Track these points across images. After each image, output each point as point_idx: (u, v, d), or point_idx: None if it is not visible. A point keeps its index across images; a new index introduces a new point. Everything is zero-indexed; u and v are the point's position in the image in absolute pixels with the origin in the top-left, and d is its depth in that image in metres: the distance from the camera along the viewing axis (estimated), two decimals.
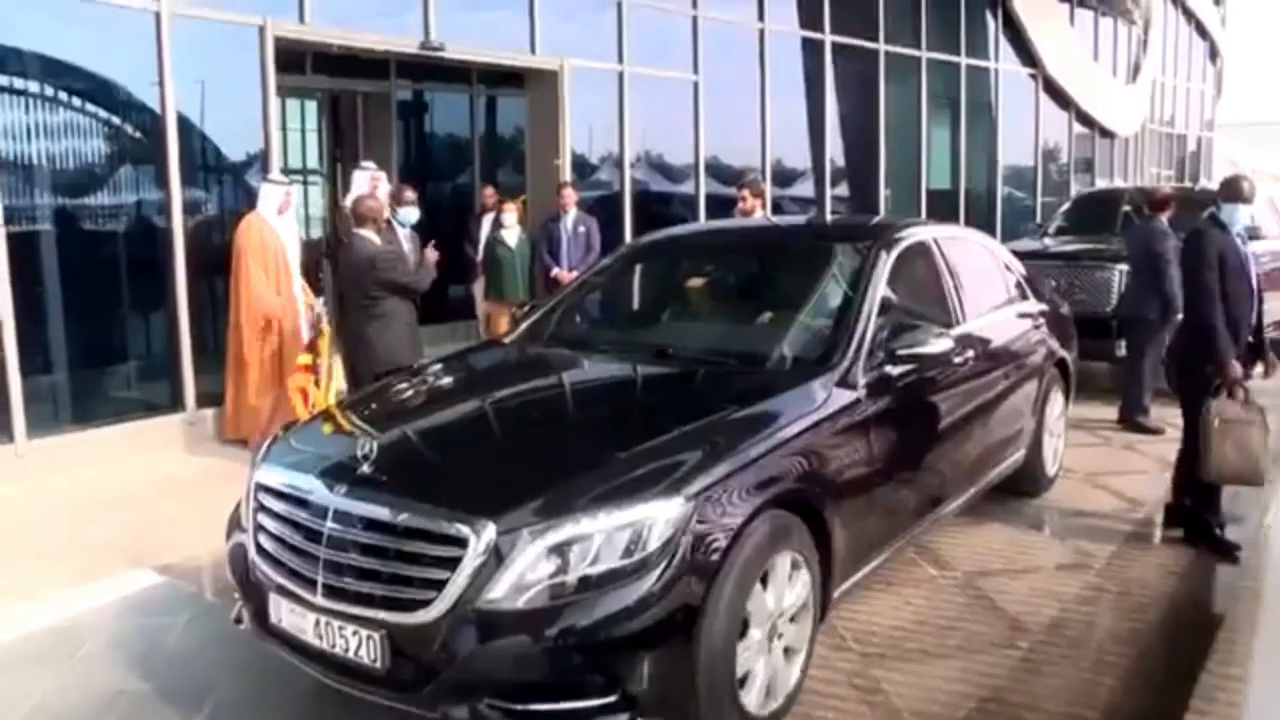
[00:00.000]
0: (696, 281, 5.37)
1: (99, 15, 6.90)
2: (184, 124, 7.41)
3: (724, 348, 4.34)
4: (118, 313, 7.51)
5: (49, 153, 6.94)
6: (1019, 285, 5.87)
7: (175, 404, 7.38)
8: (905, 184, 15.01)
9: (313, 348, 6.64)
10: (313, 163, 11.84)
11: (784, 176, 13.39)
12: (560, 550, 2.88)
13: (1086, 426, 7.49)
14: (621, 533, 2.92)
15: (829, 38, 13.34)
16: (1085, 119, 19.48)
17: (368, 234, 6.25)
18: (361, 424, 3.86)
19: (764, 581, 3.24)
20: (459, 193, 12.34)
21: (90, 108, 7.27)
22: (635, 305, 5.60)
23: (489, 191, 9.99)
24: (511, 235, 8.85)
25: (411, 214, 6.96)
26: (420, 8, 8.94)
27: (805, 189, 13.79)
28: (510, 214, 8.85)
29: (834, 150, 13.94)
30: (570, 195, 9.02)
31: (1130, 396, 7.64)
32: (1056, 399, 5.95)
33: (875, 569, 4.05)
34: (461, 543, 2.89)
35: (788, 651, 3.44)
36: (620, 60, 10.75)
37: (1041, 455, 5.76)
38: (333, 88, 11.12)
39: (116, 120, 7.47)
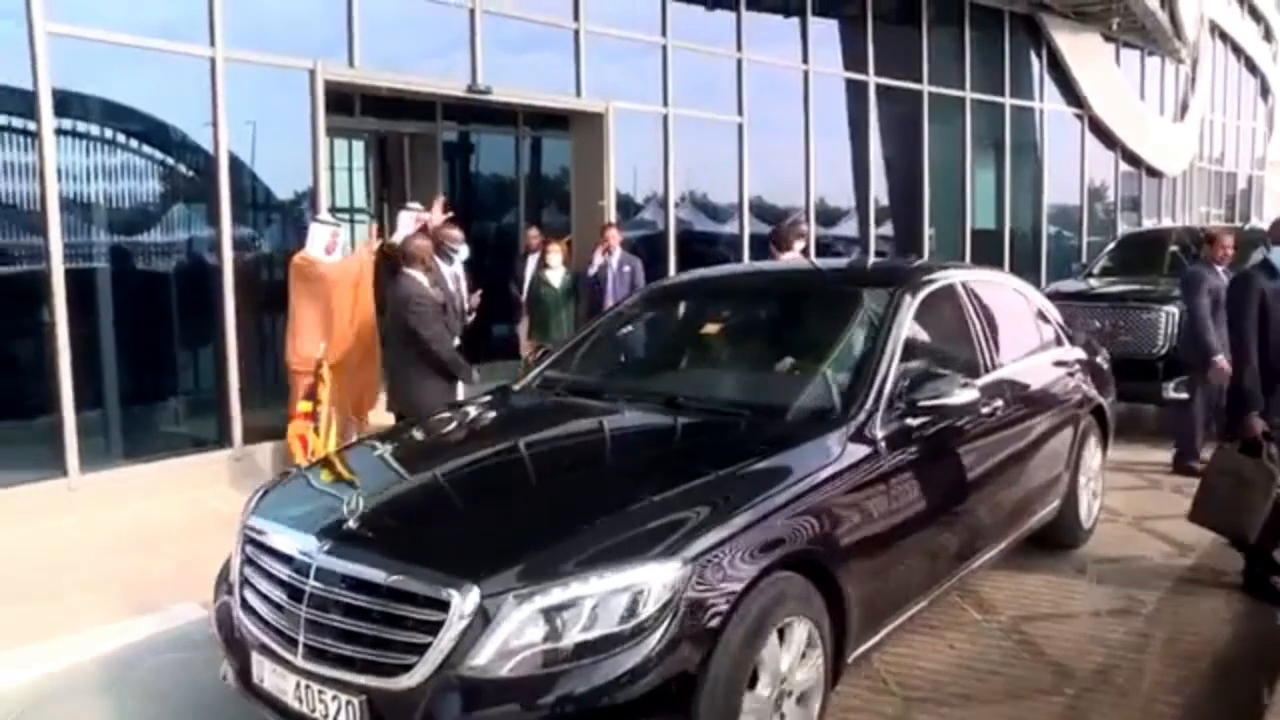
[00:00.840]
0: (712, 328, 5.21)
1: (156, 61, 7.08)
2: (235, 164, 7.57)
3: (737, 398, 4.18)
4: (169, 349, 7.64)
5: (107, 193, 7.11)
6: (1054, 331, 5.72)
7: (223, 440, 7.49)
8: (950, 224, 14.96)
9: (313, 394, 6.57)
10: (360, 202, 12.02)
11: (828, 216, 13.41)
12: (549, 615, 2.72)
13: (1135, 470, 7.39)
14: (615, 597, 2.75)
15: (873, 79, 13.38)
16: (1132, 158, 19.33)
17: (415, 274, 6.33)
18: (353, 476, 3.78)
19: (769, 648, 3.06)
20: (504, 233, 12.47)
21: (147, 149, 7.45)
22: (649, 351, 5.47)
23: (533, 232, 10.09)
24: (556, 276, 8.91)
25: (461, 251, 7.22)
26: (467, 51, 9.09)
27: (850, 229, 13.80)
28: (555, 254, 8.91)
29: (878, 190, 13.93)
30: (615, 235, 9.08)
31: (1181, 440, 7.52)
32: (1093, 448, 5.77)
33: (896, 629, 3.84)
34: (444, 606, 2.75)
35: None
36: (665, 103, 10.85)
37: (1077, 506, 5.56)
38: (380, 129, 11.30)
39: (171, 161, 7.65)
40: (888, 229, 14.28)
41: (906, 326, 4.16)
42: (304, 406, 6.54)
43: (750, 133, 11.76)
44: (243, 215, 7.87)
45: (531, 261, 9.47)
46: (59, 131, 6.66)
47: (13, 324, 6.81)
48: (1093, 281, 9.95)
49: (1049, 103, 16.84)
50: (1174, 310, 8.21)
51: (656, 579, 2.78)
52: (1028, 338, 5.40)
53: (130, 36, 6.89)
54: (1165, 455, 7.61)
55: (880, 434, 3.70)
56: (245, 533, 3.41)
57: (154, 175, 7.51)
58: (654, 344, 5.47)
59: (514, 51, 9.74)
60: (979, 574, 4.67)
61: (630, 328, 5.33)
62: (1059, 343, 5.68)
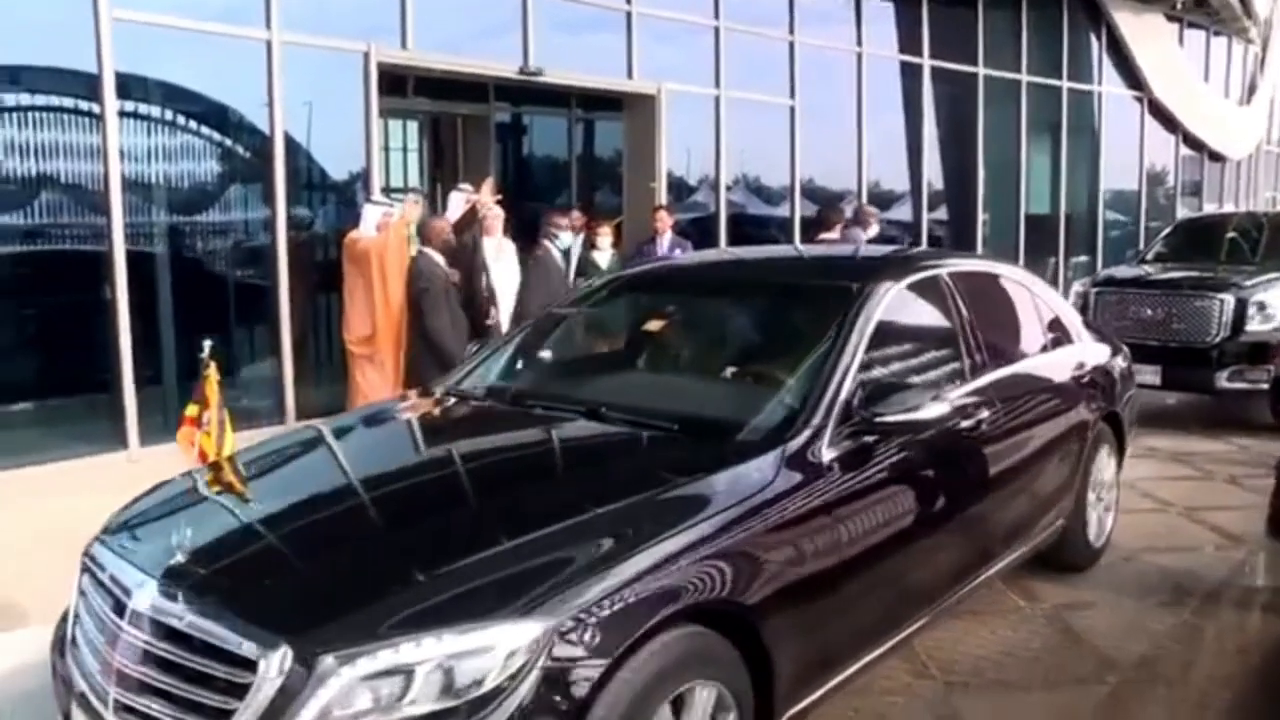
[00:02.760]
0: (654, 324, 4.59)
1: (214, 44, 7.21)
2: (291, 145, 7.71)
3: (668, 408, 3.52)
4: (224, 326, 7.80)
5: (166, 174, 7.28)
6: (1063, 328, 5.13)
7: (276, 415, 7.64)
8: (1003, 208, 14.79)
9: (202, 396, 5.82)
10: (413, 182, 12.12)
11: (881, 200, 13.29)
12: (377, 682, 2.26)
13: (1188, 460, 7.29)
14: (456, 663, 2.28)
15: (927, 62, 13.24)
16: (1194, 141, 18.94)
17: (431, 253, 6.44)
18: (204, 497, 3.33)
19: None
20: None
21: (205, 130, 7.60)
22: (584, 352, 4.90)
23: (575, 214, 10.08)
24: (604, 257, 8.92)
25: (566, 239, 7.88)
26: (520, 33, 9.15)
27: (903, 213, 13.70)
28: (605, 236, 8.91)
29: (931, 174, 13.82)
30: (665, 218, 9.09)
31: None
32: (1105, 459, 5.17)
33: (848, 679, 3.28)
34: (251, 665, 2.30)
35: None
36: (717, 85, 10.84)
37: (1085, 525, 4.99)
38: (433, 110, 11.38)
39: (228, 142, 7.80)
40: (941, 214, 14.16)
41: (870, 328, 3.60)
42: (190, 409, 5.80)
43: (802, 116, 11.70)
44: (297, 195, 8.02)
45: (576, 244, 9.49)
46: (122, 114, 6.82)
47: (75, 301, 7.00)
48: (1147, 268, 9.76)
49: (1108, 85, 16.55)
50: (1229, 298, 8.06)
51: (506, 641, 2.30)
52: (1028, 337, 4.84)
53: (190, 20, 7.03)
54: (1218, 445, 7.50)
55: (828, 455, 3.16)
56: (83, 559, 2.99)
57: (211, 156, 7.67)
58: (592, 343, 4.94)
59: (566, 33, 9.79)
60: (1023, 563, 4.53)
61: (572, 324, 4.76)
62: (1068, 341, 5.09)
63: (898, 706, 3.67)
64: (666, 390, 3.99)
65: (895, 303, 3.83)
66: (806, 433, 3.18)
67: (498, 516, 2.86)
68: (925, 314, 4.13)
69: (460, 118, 11.62)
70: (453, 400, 4.04)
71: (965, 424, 3.81)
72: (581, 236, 9.11)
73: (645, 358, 4.46)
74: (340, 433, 3.87)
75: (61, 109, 6.85)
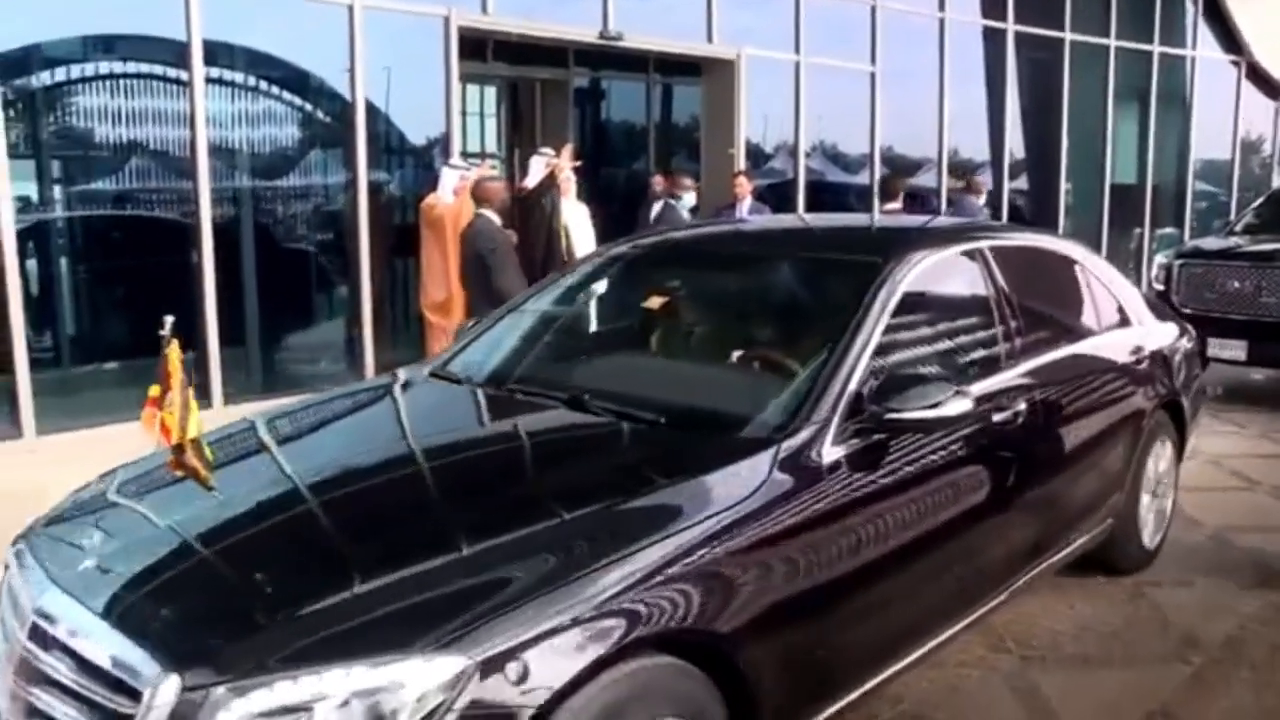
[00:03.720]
0: (655, 301, 4.14)
1: (298, 9, 7.32)
2: (371, 109, 7.79)
3: (659, 397, 3.17)
4: (305, 290, 7.96)
5: (250, 138, 7.41)
6: (1119, 308, 4.66)
7: (356, 377, 7.76)
8: (1087, 178, 14.42)
9: (164, 376, 5.39)
10: (491, 147, 12.19)
11: (961, 168, 13.07)
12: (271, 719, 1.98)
13: (1277, 438, 7.10)
14: (361, 700, 1.99)
15: (1011, 27, 12.91)
16: None
17: (489, 214, 6.35)
18: (133, 495, 2.96)
19: None
20: (633, 180, 12.51)
21: (288, 96, 7.72)
22: (578, 329, 4.34)
23: (658, 179, 10.08)
24: (684, 206, 8.81)
25: (690, 199, 7.89)
26: None
27: (985, 181, 13.42)
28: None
29: (1014, 143, 13.51)
30: (745, 183, 9.04)
31: None
32: (1161, 453, 4.72)
33: (855, 701, 2.94)
34: (135, 695, 2.05)
35: None
36: (797, 50, 10.70)
37: (1137, 526, 4.57)
38: (511, 75, 11.40)
39: (310, 107, 7.91)
40: (1023, 183, 13.86)
41: (890, 309, 3.21)
42: (153, 390, 5.43)
43: (883, 82, 11.52)
44: (377, 160, 8.11)
45: (655, 208, 9.48)
46: (209, 80, 6.95)
47: (162, 262, 7.18)
48: (1235, 239, 9.35)
49: (1202, 49, 16.00)
50: None
51: (418, 680, 2.00)
52: (1077, 319, 4.43)
53: None
54: None
55: (831, 456, 2.80)
56: (8, 554, 2.73)
57: (295, 121, 7.78)
58: (587, 319, 4.42)
59: None
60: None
61: (570, 297, 4.31)
62: (1125, 322, 4.63)
63: (972, 679, 3.65)
64: (661, 376, 3.61)
65: (922, 280, 3.44)
66: (807, 430, 2.81)
67: (438, 527, 2.54)
68: (957, 293, 3.78)
69: (539, 83, 11.62)
70: (429, 384, 3.68)
71: (998, 418, 3.41)
72: (660, 203, 9.08)
73: (644, 338, 4.09)
74: (296, 420, 3.53)
75: (151, 76, 7.01)
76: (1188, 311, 8.01)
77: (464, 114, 9.69)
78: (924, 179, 12.74)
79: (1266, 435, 7.07)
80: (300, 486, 2.85)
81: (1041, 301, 4.14)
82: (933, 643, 3.24)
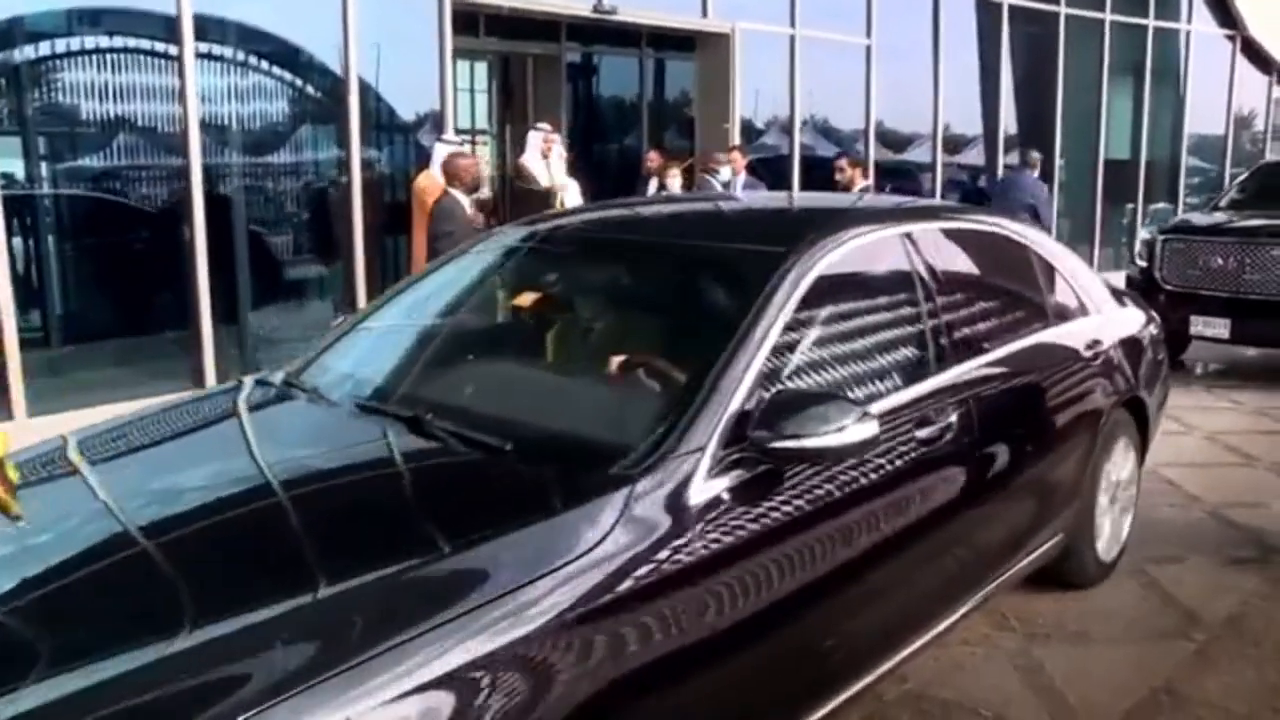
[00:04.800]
0: (526, 298, 3.62)
1: None
2: (363, 85, 7.71)
3: (511, 418, 2.68)
4: (298, 267, 7.90)
5: (240, 114, 7.34)
6: (1074, 297, 4.20)
7: None
8: (1082, 154, 14.38)
9: None
10: (482, 123, 12.12)
11: (955, 144, 13.03)
12: None
13: (1274, 414, 7.11)
14: None
15: (1007, 1, 12.85)
16: None
17: (456, 193, 6.11)
18: None
19: None
20: (626, 155, 12.45)
21: (277, 71, 7.64)
22: (447, 333, 3.53)
23: (653, 155, 10.04)
24: (719, 184, 8.81)
25: (725, 173, 8.01)
26: None
27: (976, 156, 13.39)
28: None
29: (1008, 117, 13.47)
30: (739, 159, 8.99)
31: None
32: (1121, 455, 4.30)
33: None
34: None
35: None
36: (792, 24, 10.64)
37: (1093, 537, 4.13)
38: (503, 49, 11.33)
39: (301, 82, 7.83)
40: (1016, 158, 13.81)
41: (787, 311, 2.72)
42: None
43: (878, 56, 11.47)
44: (371, 137, 8.03)
45: (652, 185, 9.44)
46: (199, 55, 6.86)
47: (154, 240, 7.12)
48: (1220, 214, 9.20)
49: (1197, 23, 15.95)
50: None
51: None
52: (1023, 311, 3.91)
53: None
54: None
55: (702, 495, 2.31)
56: None
57: (286, 97, 7.71)
58: (458, 319, 3.62)
59: None
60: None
61: (446, 292, 3.65)
62: (1080, 313, 4.19)
63: (976, 657, 3.64)
64: (521, 390, 3.03)
65: (836, 273, 2.95)
66: (673, 462, 2.31)
67: (181, 601, 2.01)
68: (880, 287, 3.29)
69: (531, 57, 11.56)
70: (269, 394, 3.17)
71: (925, 431, 2.97)
72: (655, 180, 9.05)
73: (513, 342, 3.55)
74: (95, 444, 2.91)
75: (139, 50, 6.92)
76: (1170, 288, 8.06)
77: (455, 90, 9.62)
78: (916, 154, 12.71)
79: (1264, 411, 7.07)
80: (54, 543, 2.28)
81: (982, 293, 3.69)
82: (844, 696, 2.75)
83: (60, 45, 6.82)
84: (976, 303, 3.59)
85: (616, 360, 3.00)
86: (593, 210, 5.00)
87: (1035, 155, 9.48)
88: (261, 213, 7.62)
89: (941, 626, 3.21)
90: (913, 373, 3.11)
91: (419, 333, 3.52)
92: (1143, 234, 8.91)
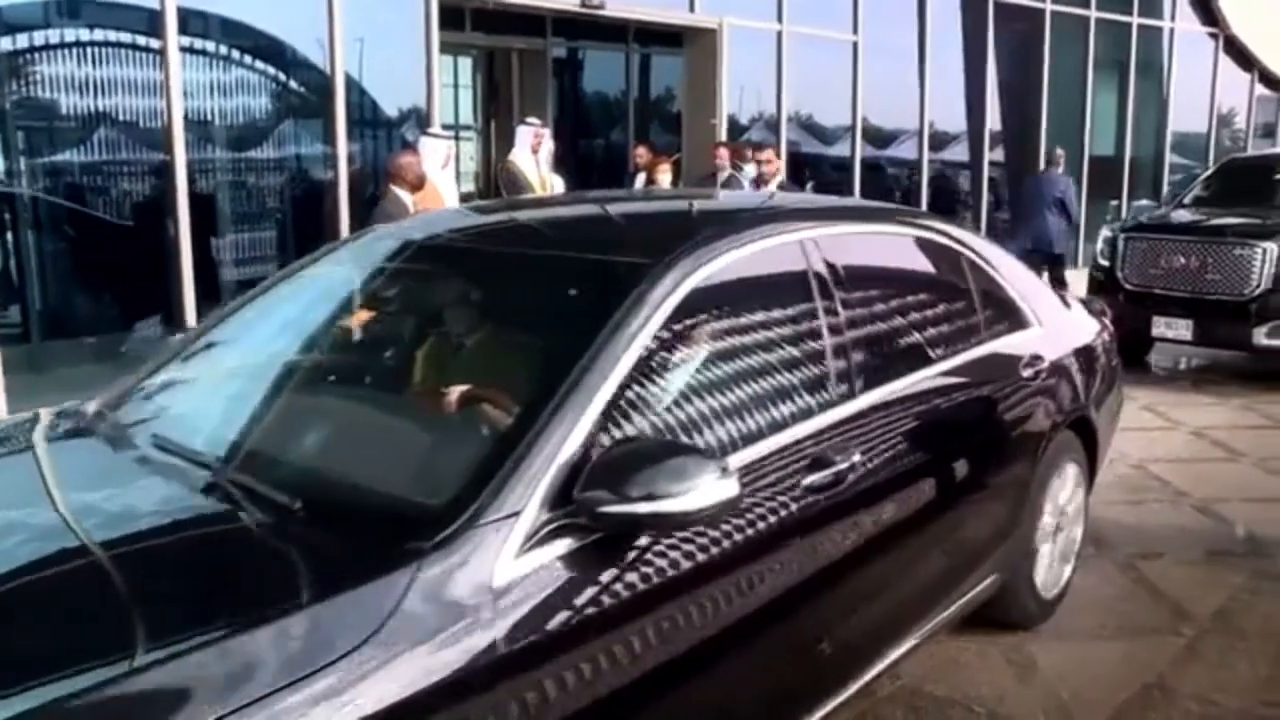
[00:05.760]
0: (358, 319, 3.06)
1: None
2: (349, 80, 7.67)
3: (315, 466, 2.33)
4: (285, 261, 7.86)
5: (223, 109, 7.29)
6: (1011, 309, 3.69)
7: None
8: (1067, 150, 14.37)
9: None
10: (466, 118, 12.07)
11: (940, 140, 13.05)
12: None
13: (1259, 409, 7.13)
14: None
15: None
16: (1271, 80, 18.26)
17: (399, 193, 5.85)
18: None
19: None
20: (612, 151, 12.43)
21: (260, 64, 7.59)
22: (275, 360, 2.94)
23: (641, 150, 10.00)
24: (746, 180, 8.75)
25: (751, 170, 8.03)
26: None
27: (962, 153, 13.41)
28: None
29: (993, 114, 13.49)
30: (725, 154, 8.97)
31: None
32: (1069, 481, 3.89)
33: None
34: None
35: None
36: (779, 19, 10.63)
37: (1032, 574, 3.70)
38: (489, 44, 11.28)
39: (284, 77, 7.79)
40: (1000, 154, 13.86)
41: (641, 340, 2.24)
42: None
43: (866, 52, 11.48)
44: (356, 131, 7.99)
45: (639, 181, 9.41)
46: (183, 49, 6.81)
47: (138, 235, 7.06)
48: (1183, 212, 8.94)
49: (1180, 21, 16.02)
50: (1272, 246, 7.42)
51: None
52: (953, 327, 3.39)
53: None
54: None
55: (511, 573, 1.87)
56: None
57: (271, 92, 7.66)
58: (282, 341, 3.04)
59: None
60: (1093, 508, 3.98)
61: (276, 310, 3.11)
62: (1019, 325, 3.70)
63: (970, 653, 3.63)
64: (337, 431, 2.54)
65: (706, 289, 2.48)
66: (475, 534, 1.86)
67: None
68: (762, 305, 2.73)
69: (516, 52, 11.51)
70: (60, 430, 2.68)
71: (816, 476, 2.51)
72: (643, 175, 9.02)
73: (339, 371, 2.94)
74: None
75: (120, 44, 6.85)
76: (1131, 288, 7.91)
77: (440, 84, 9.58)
78: (901, 150, 12.73)
79: (1249, 406, 7.10)
80: None
81: (900, 309, 3.20)
82: None
83: (39, 38, 6.74)
84: (892, 319, 3.13)
85: (455, 394, 2.51)
86: (458, 214, 4.20)
87: (1060, 153, 9.50)
88: (246, 208, 7.56)
89: (861, 683, 2.81)
90: (806, 407, 2.63)
91: (244, 357, 3.03)
92: (1104, 232, 8.71)
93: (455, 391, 2.51)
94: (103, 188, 7.10)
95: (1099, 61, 14.52)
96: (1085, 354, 4.03)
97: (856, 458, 2.65)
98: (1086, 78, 14.38)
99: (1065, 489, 3.89)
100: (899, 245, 3.49)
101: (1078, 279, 9.13)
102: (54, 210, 7.00)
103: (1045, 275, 8.59)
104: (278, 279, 3.24)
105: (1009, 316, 3.68)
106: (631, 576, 2.04)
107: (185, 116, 6.79)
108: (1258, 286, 7.46)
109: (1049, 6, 13.52)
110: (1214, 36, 16.63)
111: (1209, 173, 10.14)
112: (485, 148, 12.05)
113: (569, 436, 2.03)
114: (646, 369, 2.26)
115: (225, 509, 2.16)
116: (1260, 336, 7.42)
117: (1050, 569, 3.85)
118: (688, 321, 2.43)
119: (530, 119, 8.06)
